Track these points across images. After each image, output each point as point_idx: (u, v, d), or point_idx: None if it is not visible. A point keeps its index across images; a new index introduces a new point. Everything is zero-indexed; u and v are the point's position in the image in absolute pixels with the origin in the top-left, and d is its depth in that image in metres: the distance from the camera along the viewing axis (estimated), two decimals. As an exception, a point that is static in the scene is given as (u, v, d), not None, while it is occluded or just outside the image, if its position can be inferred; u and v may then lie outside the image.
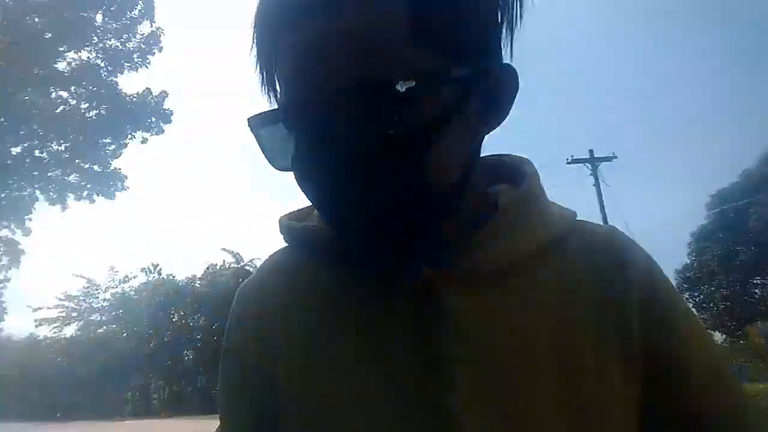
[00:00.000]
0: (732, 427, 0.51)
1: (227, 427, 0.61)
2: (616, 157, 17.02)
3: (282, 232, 0.63)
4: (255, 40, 0.52)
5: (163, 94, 14.49)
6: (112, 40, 13.80)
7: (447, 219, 0.52)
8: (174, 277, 30.82)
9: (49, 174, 14.21)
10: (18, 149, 13.78)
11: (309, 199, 0.53)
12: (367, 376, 0.53)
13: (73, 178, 14.59)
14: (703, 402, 0.51)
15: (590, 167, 16.98)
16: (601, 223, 0.61)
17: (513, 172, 0.60)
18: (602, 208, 16.62)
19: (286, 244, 0.63)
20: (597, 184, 16.83)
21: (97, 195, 14.75)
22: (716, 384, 0.52)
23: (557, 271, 0.54)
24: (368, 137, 0.46)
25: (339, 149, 0.46)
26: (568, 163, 17.05)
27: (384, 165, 0.46)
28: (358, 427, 0.52)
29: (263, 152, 0.53)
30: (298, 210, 0.66)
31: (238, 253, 28.86)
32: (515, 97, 0.52)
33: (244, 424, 0.58)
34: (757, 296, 18.56)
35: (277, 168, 0.53)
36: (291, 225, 0.61)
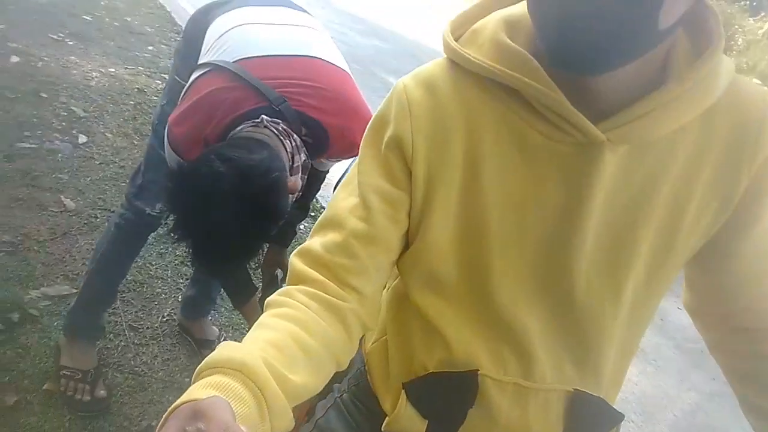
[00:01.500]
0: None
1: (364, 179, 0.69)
2: None
3: (450, 55, 0.67)
4: None
5: None
6: None
7: (636, 58, 0.55)
8: None
9: None
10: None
11: None
12: (522, 193, 0.64)
13: None
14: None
15: None
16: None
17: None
18: None
19: (448, 61, 0.68)
20: None
21: None
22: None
23: (698, 134, 0.62)
24: None
25: None
26: None
27: None
28: (505, 228, 0.66)
29: None
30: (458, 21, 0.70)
31: None
32: None
33: (383, 183, 0.69)
34: None
35: None
36: (466, 55, 0.64)
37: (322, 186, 1.56)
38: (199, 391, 0.48)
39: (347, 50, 5.47)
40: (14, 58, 3.11)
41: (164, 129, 1.21)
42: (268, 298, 0.66)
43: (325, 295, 0.66)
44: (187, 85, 1.23)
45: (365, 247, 0.68)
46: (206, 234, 1.00)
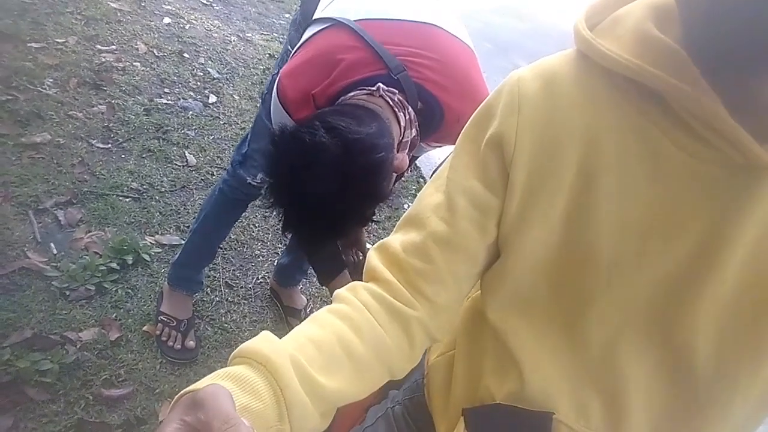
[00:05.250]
0: None
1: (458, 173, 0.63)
2: None
3: (581, 45, 0.57)
4: None
5: None
6: None
7: None
8: None
9: None
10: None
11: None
12: (646, 217, 0.54)
13: None
14: None
15: None
16: None
17: None
18: None
19: (579, 54, 0.58)
20: None
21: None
22: None
23: None
24: None
25: None
26: None
27: None
28: (618, 254, 0.55)
29: None
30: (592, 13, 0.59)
31: None
32: None
33: (476, 181, 0.62)
34: None
35: None
36: (600, 47, 0.54)
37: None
38: (214, 379, 0.46)
39: (480, 27, 5.23)
40: (166, 20, 3.37)
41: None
42: (336, 291, 0.63)
43: (391, 298, 0.61)
44: (304, 38, 1.17)
45: (443, 252, 0.61)
46: (299, 205, 0.96)
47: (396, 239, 0.65)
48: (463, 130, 0.66)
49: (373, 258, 0.65)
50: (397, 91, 1.05)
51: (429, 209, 0.63)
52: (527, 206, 0.59)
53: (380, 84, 1.03)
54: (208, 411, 0.37)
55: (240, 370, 0.48)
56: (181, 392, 0.42)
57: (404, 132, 1.06)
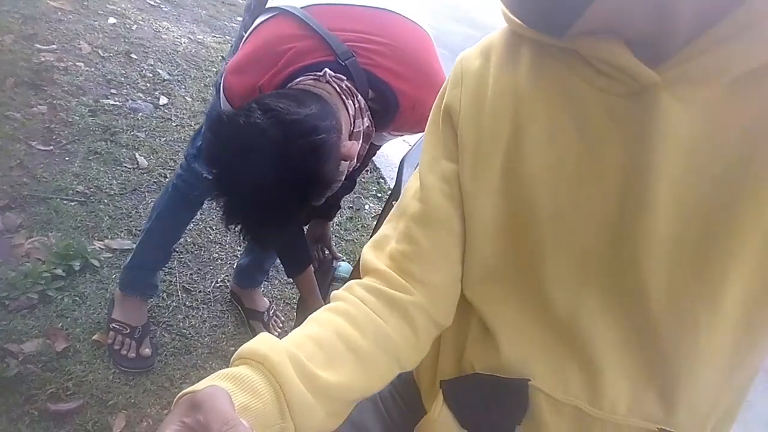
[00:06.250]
0: None
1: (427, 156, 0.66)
2: None
3: (505, 20, 0.62)
4: None
5: None
6: None
7: None
8: None
9: None
10: None
11: None
12: (575, 161, 0.54)
13: None
14: None
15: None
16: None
17: None
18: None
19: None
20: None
21: None
22: None
23: None
24: None
25: None
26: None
27: None
28: (557, 204, 0.55)
29: None
30: None
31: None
32: None
33: (439, 154, 0.65)
34: None
35: None
36: (516, 19, 0.59)
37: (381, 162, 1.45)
38: (214, 380, 0.47)
39: (436, 35, 5.29)
40: (111, 20, 3.23)
41: None
42: (333, 292, 0.64)
43: (386, 288, 0.61)
44: (250, 29, 1.13)
45: (423, 229, 0.63)
46: (238, 193, 0.90)
47: (385, 231, 0.67)
48: (429, 116, 0.68)
49: (365, 253, 0.67)
50: (345, 78, 1.02)
51: (409, 197, 0.66)
52: (475, 171, 0.60)
53: (327, 69, 1.00)
54: (207, 412, 0.38)
55: (239, 370, 0.48)
56: (180, 393, 0.43)
57: (354, 121, 1.02)
